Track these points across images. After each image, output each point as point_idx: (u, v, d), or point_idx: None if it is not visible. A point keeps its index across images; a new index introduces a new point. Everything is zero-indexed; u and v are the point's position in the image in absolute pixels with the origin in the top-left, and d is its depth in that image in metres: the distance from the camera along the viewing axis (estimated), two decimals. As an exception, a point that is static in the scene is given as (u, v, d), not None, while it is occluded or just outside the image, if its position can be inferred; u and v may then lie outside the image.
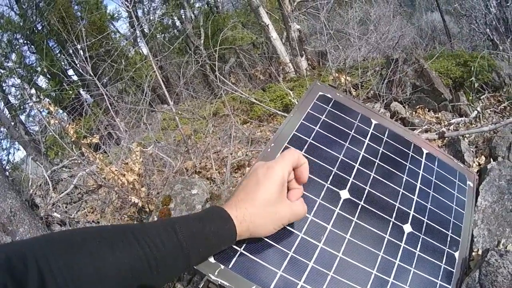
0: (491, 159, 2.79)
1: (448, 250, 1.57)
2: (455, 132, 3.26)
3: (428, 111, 4.23)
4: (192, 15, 18.00)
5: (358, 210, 1.51)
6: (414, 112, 4.24)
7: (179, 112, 5.84)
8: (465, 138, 3.28)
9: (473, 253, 1.71)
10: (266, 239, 1.35)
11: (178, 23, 20.45)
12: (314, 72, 8.22)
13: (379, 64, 5.76)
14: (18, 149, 16.15)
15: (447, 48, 9.42)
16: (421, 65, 4.48)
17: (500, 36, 7.84)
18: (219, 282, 1.26)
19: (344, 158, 1.64)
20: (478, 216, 1.86)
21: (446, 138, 3.19)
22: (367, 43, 7.32)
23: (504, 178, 2.04)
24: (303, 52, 9.27)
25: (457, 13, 13.12)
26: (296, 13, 9.67)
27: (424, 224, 1.58)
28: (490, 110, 4.04)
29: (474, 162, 2.79)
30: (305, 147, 1.62)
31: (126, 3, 6.14)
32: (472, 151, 3.01)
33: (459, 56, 5.53)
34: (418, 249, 1.51)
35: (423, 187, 1.70)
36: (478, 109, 3.92)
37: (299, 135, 1.66)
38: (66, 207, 4.37)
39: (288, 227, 1.38)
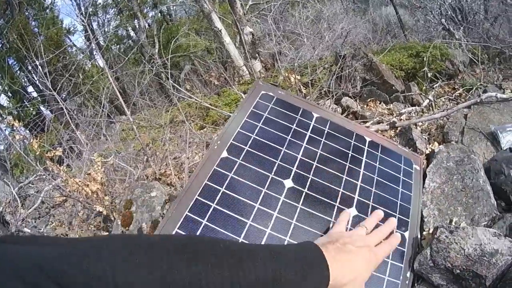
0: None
1: (397, 230, 1.64)
2: (406, 122, 3.30)
3: (380, 103, 4.25)
4: (146, 25, 17.90)
5: (303, 197, 1.60)
6: (365, 106, 4.26)
7: (137, 121, 5.85)
8: (418, 127, 3.32)
9: (424, 233, 1.76)
10: (217, 228, 1.44)
11: (132, 33, 20.34)
12: (268, 73, 8.23)
13: (328, 61, 5.79)
14: (-16, 170, 15.81)
15: (401, 41, 9.50)
16: (370, 59, 4.53)
17: (456, 26, 7.90)
18: None
19: (287, 150, 1.74)
20: (427, 197, 1.91)
21: (398, 128, 3.21)
22: (321, 42, 7.35)
23: (453, 159, 2.10)
24: (256, 55, 9.29)
25: (411, 6, 13.16)
26: (249, 16, 9.68)
27: (370, 207, 1.67)
28: (445, 98, 4.06)
29: (427, 148, 2.82)
30: (249, 142, 1.71)
31: (81, 16, 6.13)
32: (425, 138, 3.04)
33: (412, 48, 5.59)
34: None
35: (367, 172, 1.79)
36: (430, 97, 3.96)
37: (243, 132, 1.75)
38: (35, 222, 4.37)
39: (236, 216, 1.48)
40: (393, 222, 1.49)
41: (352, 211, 1.62)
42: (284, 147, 1.74)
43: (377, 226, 1.46)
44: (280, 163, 1.68)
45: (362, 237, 1.33)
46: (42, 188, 4.91)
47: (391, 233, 1.44)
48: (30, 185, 5.60)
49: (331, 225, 1.56)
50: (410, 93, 4.19)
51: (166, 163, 3.84)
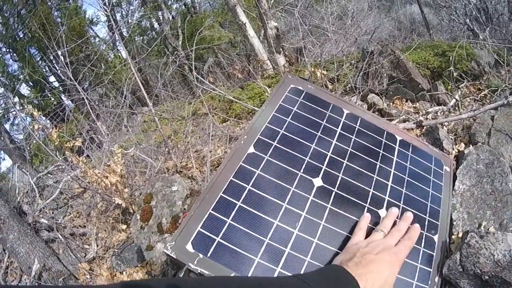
0: (471, 146, 2.78)
1: (427, 233, 1.59)
2: (433, 121, 3.24)
3: (406, 101, 4.19)
4: (170, 17, 17.93)
5: (332, 197, 1.54)
6: (391, 103, 4.19)
7: (159, 113, 5.84)
8: (444, 127, 3.27)
9: (453, 236, 1.71)
10: (242, 227, 1.39)
11: (156, 25, 20.39)
12: (292, 68, 8.18)
13: (355, 57, 5.75)
14: (4, 159, 15.92)
15: (425, 39, 9.43)
16: (397, 56, 4.47)
17: (480, 26, 7.85)
18: (199, 271, 1.28)
19: (316, 147, 1.67)
20: (457, 200, 1.85)
21: (425, 127, 3.17)
22: (345, 38, 7.30)
23: (482, 162, 2.05)
24: (280, 49, 9.20)
25: (436, 5, 13.09)
26: (273, 11, 9.65)
27: (400, 209, 1.60)
28: (470, 99, 4.01)
29: (453, 149, 2.77)
30: (277, 138, 1.65)
31: (105, 7, 6.12)
32: (452, 138, 2.99)
33: (437, 47, 5.51)
34: (395, 233, 1.51)
35: (397, 173, 1.72)
36: (456, 97, 3.90)
37: (271, 127, 1.68)
38: (52, 213, 4.37)
39: (263, 215, 1.43)
40: (409, 216, 1.49)
41: (382, 213, 1.56)
42: (314, 144, 1.67)
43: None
44: (309, 160, 1.61)
45: (379, 242, 1.33)
46: (61, 179, 4.91)
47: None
48: (48, 175, 5.60)
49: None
50: (436, 92, 4.14)
51: (188, 155, 3.82)
